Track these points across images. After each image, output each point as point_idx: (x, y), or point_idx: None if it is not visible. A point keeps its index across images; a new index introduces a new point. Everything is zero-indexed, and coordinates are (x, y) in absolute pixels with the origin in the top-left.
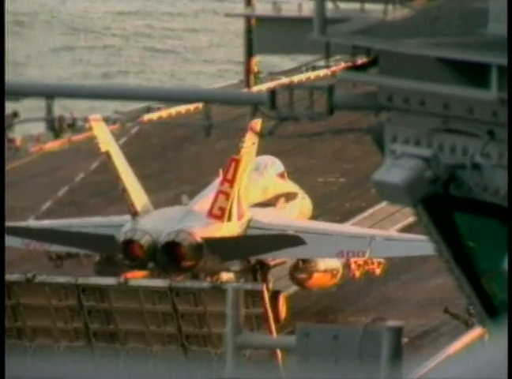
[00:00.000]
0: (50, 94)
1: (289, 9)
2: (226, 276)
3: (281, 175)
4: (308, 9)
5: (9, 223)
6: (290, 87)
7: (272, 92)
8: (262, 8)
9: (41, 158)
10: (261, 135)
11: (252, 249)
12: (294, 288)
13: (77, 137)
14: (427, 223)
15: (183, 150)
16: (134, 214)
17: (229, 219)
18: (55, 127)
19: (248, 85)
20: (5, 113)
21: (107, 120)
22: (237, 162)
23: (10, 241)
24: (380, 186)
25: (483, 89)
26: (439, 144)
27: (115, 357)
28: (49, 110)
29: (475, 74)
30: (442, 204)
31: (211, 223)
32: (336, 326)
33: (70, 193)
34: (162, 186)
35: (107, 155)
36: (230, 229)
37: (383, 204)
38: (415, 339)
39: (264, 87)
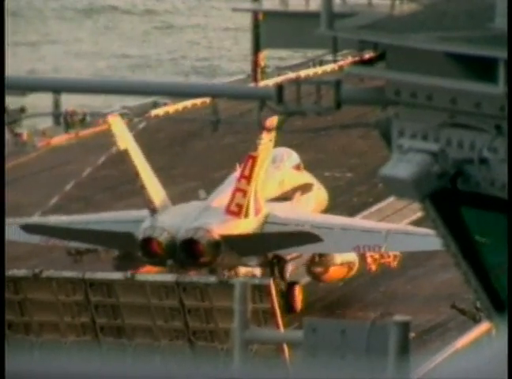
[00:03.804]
0: (57, 89)
1: (296, 4)
2: (244, 270)
3: (297, 167)
4: (315, 3)
5: (28, 220)
6: (297, 81)
7: (280, 87)
8: (270, 3)
9: (48, 153)
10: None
11: (269, 245)
12: (302, 283)
13: (84, 132)
14: (435, 218)
15: (190, 145)
16: (153, 210)
17: (246, 215)
18: (68, 120)
19: (255, 80)
20: (4, 112)
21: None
22: (254, 159)
23: (28, 238)
24: (387, 181)
25: (491, 84)
26: (447, 138)
27: (122, 352)
28: (56, 104)
29: (482, 69)
30: (449, 198)
31: (229, 219)
32: (343, 321)
33: (77, 188)
34: (169, 181)
35: (125, 152)
36: (247, 225)
37: (391, 199)
38: (422, 334)
39: (271, 81)
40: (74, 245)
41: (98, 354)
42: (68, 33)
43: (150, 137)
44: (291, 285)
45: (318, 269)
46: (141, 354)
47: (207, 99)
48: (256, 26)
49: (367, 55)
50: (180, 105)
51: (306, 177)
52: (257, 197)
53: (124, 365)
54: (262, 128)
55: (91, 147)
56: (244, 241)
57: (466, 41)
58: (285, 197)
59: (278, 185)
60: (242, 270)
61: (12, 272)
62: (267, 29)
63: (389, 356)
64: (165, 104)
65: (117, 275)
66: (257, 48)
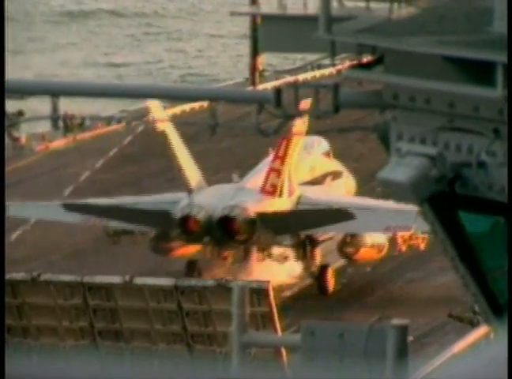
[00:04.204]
0: (55, 92)
1: (294, 8)
2: (277, 252)
3: (327, 154)
4: (313, 7)
5: (67, 201)
6: (295, 85)
7: (278, 90)
8: (268, 6)
9: (46, 157)
10: (266, 134)
11: (304, 223)
12: (298, 287)
13: (82, 136)
14: (433, 222)
15: (188, 148)
16: (189, 191)
17: (280, 195)
18: (67, 124)
19: (253, 83)
20: (5, 114)
21: (112, 119)
22: (288, 140)
23: (69, 217)
24: (386, 185)
25: (489, 87)
26: (445, 142)
27: (120, 355)
28: (54, 108)
29: (480, 72)
30: (447, 202)
31: (263, 198)
32: (341, 324)
33: (75, 192)
34: (167, 184)
35: (164, 134)
36: (281, 205)
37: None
38: (420, 338)
39: (269, 85)
40: (113, 225)
41: (96, 358)
42: (55, 39)
43: (148, 141)
44: (324, 268)
45: (350, 249)
46: (139, 358)
47: (205, 103)
48: (254, 30)
49: (365, 59)
50: (178, 109)
51: (335, 164)
52: (290, 179)
53: (122, 369)
54: (260, 132)
55: (89, 151)
56: (279, 218)
57: (464, 45)
58: (316, 182)
59: (309, 170)
60: (276, 251)
61: (10, 275)
62: (265, 33)
63: (387, 359)
64: (164, 108)
65: (115, 279)
66: (255, 52)
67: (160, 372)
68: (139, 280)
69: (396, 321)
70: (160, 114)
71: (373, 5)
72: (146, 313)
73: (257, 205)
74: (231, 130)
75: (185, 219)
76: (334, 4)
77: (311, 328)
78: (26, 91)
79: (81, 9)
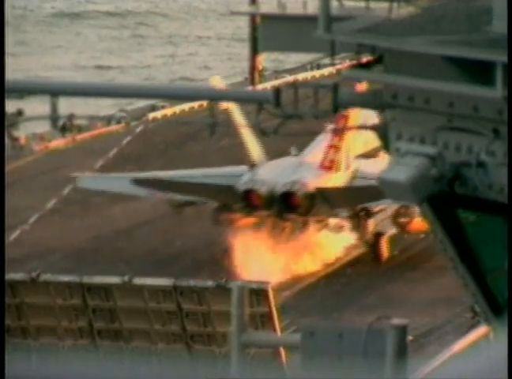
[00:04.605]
0: (54, 92)
1: (294, 7)
2: (334, 222)
3: None
4: (313, 7)
5: (136, 174)
6: (295, 85)
7: (277, 90)
8: (267, 6)
9: (46, 156)
10: (264, 133)
11: (360, 197)
12: (297, 288)
13: (81, 136)
14: (432, 221)
15: (187, 148)
16: (252, 165)
17: (338, 169)
18: (65, 125)
19: (253, 83)
20: (5, 114)
21: (111, 119)
22: (346, 117)
23: (137, 191)
24: (385, 184)
25: (488, 87)
26: (444, 142)
27: (120, 355)
28: (54, 108)
29: (480, 72)
30: (447, 202)
31: (322, 174)
32: (340, 325)
33: (75, 192)
34: None
35: (228, 111)
36: (339, 179)
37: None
38: (419, 338)
39: (269, 85)
40: (178, 198)
41: (95, 358)
42: (45, 42)
43: (147, 140)
44: (378, 236)
45: (403, 220)
46: (138, 358)
47: (204, 102)
48: (253, 29)
49: (365, 59)
50: (177, 108)
51: None
52: (347, 154)
53: (121, 368)
54: (260, 131)
55: (88, 151)
56: (337, 193)
57: (464, 44)
58: (369, 156)
59: (363, 143)
60: (332, 222)
61: (9, 275)
62: (265, 33)
63: (386, 359)
64: (163, 107)
65: (114, 280)
66: (254, 51)
67: (159, 372)
68: (138, 280)
69: (395, 321)
70: (236, 115)
71: (372, 4)
72: (145, 314)
73: (316, 180)
74: (230, 130)
75: (248, 193)
76: (334, 3)
77: (311, 328)
78: (26, 91)
79: (73, 11)
